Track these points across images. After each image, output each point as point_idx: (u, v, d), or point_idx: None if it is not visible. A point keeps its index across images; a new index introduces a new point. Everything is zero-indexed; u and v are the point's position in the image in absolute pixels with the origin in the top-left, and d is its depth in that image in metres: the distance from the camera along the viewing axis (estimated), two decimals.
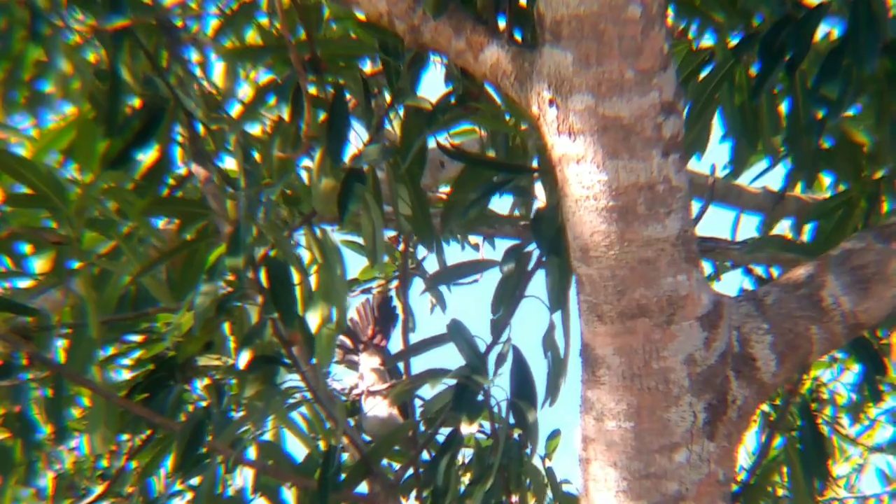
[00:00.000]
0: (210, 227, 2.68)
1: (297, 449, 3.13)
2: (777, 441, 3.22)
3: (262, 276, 2.56)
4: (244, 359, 2.47)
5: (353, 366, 3.48)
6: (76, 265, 2.65)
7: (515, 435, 2.81)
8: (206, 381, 2.84)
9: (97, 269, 2.70)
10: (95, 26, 2.67)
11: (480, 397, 2.74)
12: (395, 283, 3.89)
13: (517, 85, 1.94)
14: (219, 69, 3.13)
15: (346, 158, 2.61)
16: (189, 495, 3.51)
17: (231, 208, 2.59)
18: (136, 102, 2.74)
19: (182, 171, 2.88)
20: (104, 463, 4.03)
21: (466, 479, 2.94)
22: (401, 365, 3.29)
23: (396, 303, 3.75)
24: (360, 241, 3.83)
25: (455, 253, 4.14)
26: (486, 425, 2.91)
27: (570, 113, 1.84)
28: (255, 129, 2.96)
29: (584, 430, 2.03)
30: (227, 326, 2.79)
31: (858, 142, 2.87)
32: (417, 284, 3.84)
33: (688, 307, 1.92)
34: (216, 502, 2.94)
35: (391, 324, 3.60)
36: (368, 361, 3.42)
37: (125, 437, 3.61)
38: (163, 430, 2.89)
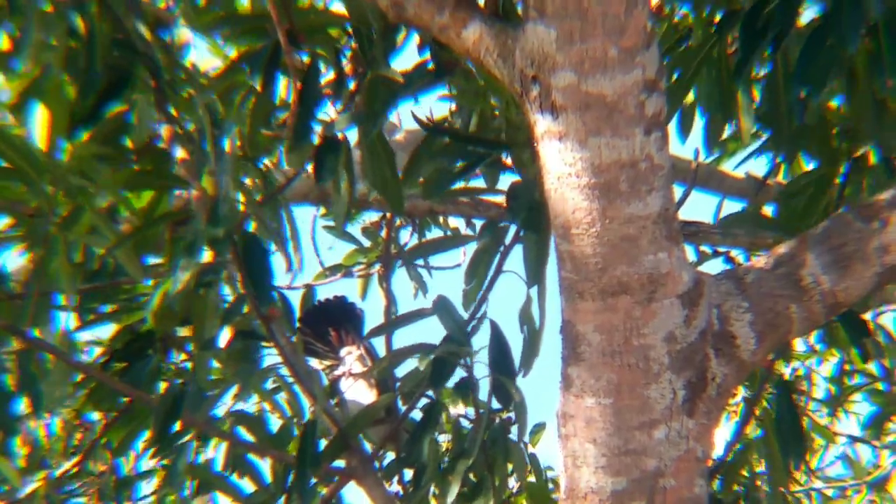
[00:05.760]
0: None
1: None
2: (753, 424, 3.25)
3: (239, 250, 2.55)
4: (224, 336, 2.47)
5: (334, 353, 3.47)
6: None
7: (499, 418, 2.82)
8: (184, 356, 2.83)
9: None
10: None
11: (463, 373, 2.74)
12: (377, 268, 3.89)
13: (500, 61, 1.93)
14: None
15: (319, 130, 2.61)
16: (156, 479, 3.49)
17: (208, 182, 2.57)
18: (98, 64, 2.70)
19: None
20: (75, 442, 4.00)
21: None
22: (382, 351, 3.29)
23: (381, 291, 3.74)
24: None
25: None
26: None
27: (553, 90, 1.84)
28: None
29: (563, 407, 2.03)
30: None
31: (830, 119, 2.87)
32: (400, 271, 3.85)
33: (669, 285, 1.93)
34: (191, 472, 2.94)
35: (357, 322, 3.56)
36: (348, 348, 3.41)
37: (98, 415, 3.60)
38: (138, 402, 2.87)
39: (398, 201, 2.74)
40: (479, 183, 3.09)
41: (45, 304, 2.68)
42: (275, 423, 3.07)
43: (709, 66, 2.74)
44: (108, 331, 3.02)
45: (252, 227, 2.67)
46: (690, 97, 2.85)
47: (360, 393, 3.22)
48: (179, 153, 2.68)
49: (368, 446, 3.01)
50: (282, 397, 3.03)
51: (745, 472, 3.50)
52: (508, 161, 2.84)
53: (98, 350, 3.16)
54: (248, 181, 2.74)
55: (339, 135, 2.59)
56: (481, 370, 2.79)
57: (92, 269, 2.83)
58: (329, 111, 2.73)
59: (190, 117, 2.76)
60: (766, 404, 3.17)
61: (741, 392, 3.37)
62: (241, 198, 2.61)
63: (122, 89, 2.69)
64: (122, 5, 2.70)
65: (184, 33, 2.94)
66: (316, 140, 2.62)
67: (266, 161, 2.80)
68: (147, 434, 2.92)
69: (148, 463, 3.40)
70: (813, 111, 2.75)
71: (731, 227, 3.13)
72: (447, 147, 2.80)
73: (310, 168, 2.61)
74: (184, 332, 2.77)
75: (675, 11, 2.81)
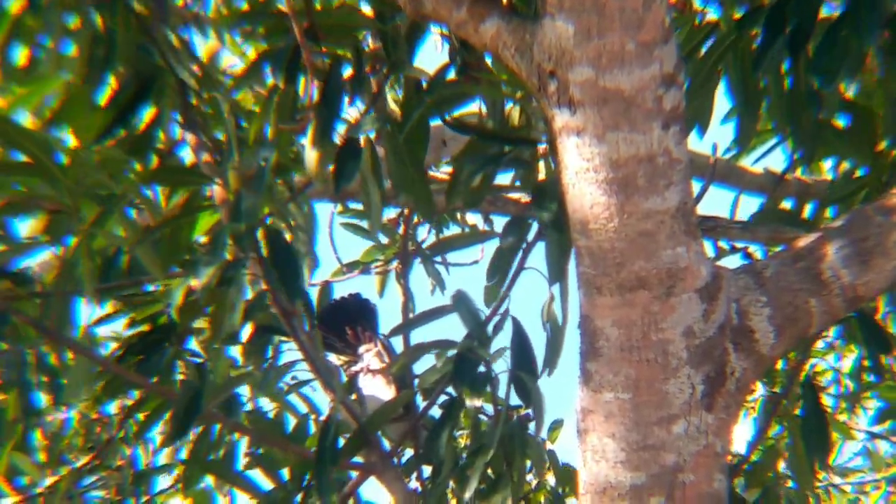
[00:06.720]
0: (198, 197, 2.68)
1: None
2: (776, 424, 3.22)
3: (263, 247, 2.55)
4: (245, 331, 2.47)
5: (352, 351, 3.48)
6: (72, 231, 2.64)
7: (518, 414, 2.82)
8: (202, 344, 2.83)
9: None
10: None
11: (482, 368, 2.73)
12: (395, 264, 3.90)
13: (518, 56, 1.93)
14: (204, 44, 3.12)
15: (342, 130, 2.61)
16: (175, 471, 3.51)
17: (232, 177, 2.57)
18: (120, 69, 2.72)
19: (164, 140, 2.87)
20: (94, 434, 4.02)
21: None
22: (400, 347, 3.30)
23: (398, 287, 3.74)
24: (360, 222, 3.85)
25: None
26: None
27: (571, 85, 1.83)
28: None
29: (582, 402, 2.03)
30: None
31: (873, 119, 2.84)
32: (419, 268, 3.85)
33: (687, 279, 1.92)
34: (209, 466, 2.95)
35: (372, 317, 3.57)
36: (367, 345, 3.42)
37: (115, 409, 3.63)
38: (155, 395, 2.88)
39: (428, 205, 2.74)
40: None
41: (68, 302, 2.70)
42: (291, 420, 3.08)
43: (734, 61, 2.72)
44: (124, 324, 3.03)
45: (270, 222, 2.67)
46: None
47: (378, 389, 3.23)
48: (204, 158, 2.69)
49: (387, 443, 3.02)
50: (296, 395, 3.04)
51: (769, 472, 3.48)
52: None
53: (115, 344, 3.17)
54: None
55: (362, 138, 2.59)
56: (500, 365, 2.79)
57: (108, 262, 2.84)
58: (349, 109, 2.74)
59: (215, 121, 2.78)
60: (786, 403, 3.15)
61: (759, 389, 3.36)
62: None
63: (149, 95, 2.70)
64: (148, 9, 2.71)
65: (212, 39, 2.95)
66: (338, 140, 2.62)
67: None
68: (162, 425, 2.92)
69: (165, 457, 3.42)
70: (849, 108, 2.72)
71: (759, 225, 3.11)
72: (471, 145, 2.79)
73: (330, 169, 2.61)
74: (199, 323, 2.78)
75: (693, 9, 2.79)
